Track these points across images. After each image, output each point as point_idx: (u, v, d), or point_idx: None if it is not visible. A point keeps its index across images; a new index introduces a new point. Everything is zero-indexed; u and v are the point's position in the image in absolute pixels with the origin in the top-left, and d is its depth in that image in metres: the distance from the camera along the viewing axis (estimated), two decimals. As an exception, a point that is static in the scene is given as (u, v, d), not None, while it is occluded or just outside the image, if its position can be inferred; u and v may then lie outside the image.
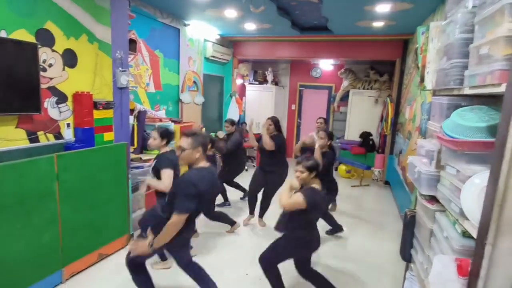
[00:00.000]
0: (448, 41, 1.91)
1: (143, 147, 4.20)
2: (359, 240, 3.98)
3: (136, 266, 2.37)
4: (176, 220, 2.07)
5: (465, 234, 1.59)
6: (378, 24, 5.09)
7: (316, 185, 2.49)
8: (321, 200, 2.50)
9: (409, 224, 2.35)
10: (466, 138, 1.56)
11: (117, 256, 3.27)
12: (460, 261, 1.45)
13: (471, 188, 1.46)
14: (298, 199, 2.34)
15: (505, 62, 1.30)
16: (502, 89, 1.32)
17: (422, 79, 2.43)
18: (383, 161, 6.77)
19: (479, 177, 1.47)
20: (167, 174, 2.73)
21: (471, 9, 1.67)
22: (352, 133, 7.59)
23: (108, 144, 3.21)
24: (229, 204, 4.82)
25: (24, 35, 2.53)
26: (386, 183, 6.60)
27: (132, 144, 3.98)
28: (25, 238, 2.43)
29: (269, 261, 2.54)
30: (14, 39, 2.45)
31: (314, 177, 2.51)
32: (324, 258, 3.43)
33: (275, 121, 3.99)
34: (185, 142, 2.17)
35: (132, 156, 3.89)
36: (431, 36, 2.22)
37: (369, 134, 7.23)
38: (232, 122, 4.83)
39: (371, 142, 7.18)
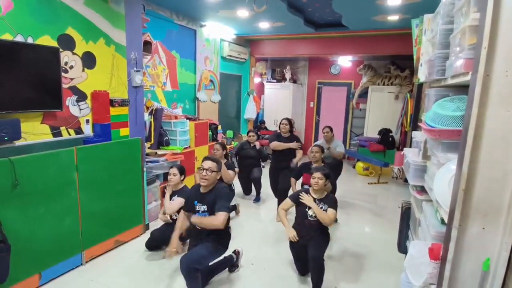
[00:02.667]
0: (434, 32, 1.93)
1: (160, 143, 4.46)
2: (369, 234, 3.98)
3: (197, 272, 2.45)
4: (225, 217, 2.41)
5: (444, 222, 1.62)
6: (393, 18, 5.02)
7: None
8: None
9: (405, 216, 2.38)
10: (443, 127, 1.59)
11: (132, 243, 3.52)
12: (432, 246, 1.50)
13: (444, 175, 1.50)
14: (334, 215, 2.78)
15: (470, 51, 1.34)
16: (469, 77, 1.36)
17: (416, 71, 2.44)
18: (403, 158, 6.61)
19: (454, 163, 1.51)
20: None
21: (451, 0, 1.70)
22: (371, 130, 7.48)
23: (124, 139, 3.46)
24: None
25: (47, 40, 2.82)
26: (406, 181, 6.44)
27: (149, 140, 4.24)
28: (48, 222, 2.71)
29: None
30: (39, 44, 2.74)
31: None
32: (335, 251, 3.49)
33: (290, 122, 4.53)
34: (213, 165, 2.52)
35: (149, 151, 4.15)
36: (424, 28, 2.23)
37: (388, 130, 7.10)
38: (257, 132, 5.26)
39: (390, 139, 7.04)
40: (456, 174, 1.37)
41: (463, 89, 1.83)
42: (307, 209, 2.82)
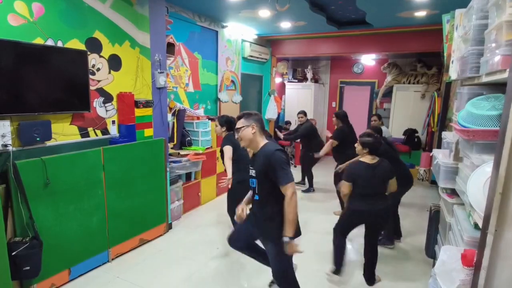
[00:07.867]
0: (467, 28, 1.84)
1: (182, 143, 4.52)
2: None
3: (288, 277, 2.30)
4: (292, 189, 1.99)
5: (477, 227, 1.54)
6: (420, 14, 4.85)
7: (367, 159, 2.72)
8: (363, 172, 2.68)
9: (433, 220, 2.29)
10: (477, 127, 1.51)
11: (156, 242, 3.58)
12: (465, 251, 1.43)
13: (478, 177, 1.43)
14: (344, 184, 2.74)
15: (508, 47, 1.26)
16: (506, 75, 1.29)
17: (447, 69, 2.34)
18: (430, 159, 6.39)
19: (489, 165, 1.43)
20: (227, 149, 3.20)
21: (486, -6, 1.61)
22: (396, 130, 7.26)
23: (148, 139, 3.53)
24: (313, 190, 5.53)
25: (76, 44, 2.91)
26: (433, 183, 6.22)
27: (172, 141, 4.30)
28: (76, 219, 2.81)
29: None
30: (69, 48, 2.84)
31: (368, 152, 2.71)
32: (356, 253, 3.42)
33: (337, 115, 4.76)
34: (238, 123, 2.21)
35: (172, 151, 4.21)
36: (456, 24, 2.14)
37: (414, 131, 6.88)
38: (305, 113, 5.61)
39: (416, 140, 6.82)
40: (492, 176, 1.30)
41: (498, 87, 1.74)
42: None
